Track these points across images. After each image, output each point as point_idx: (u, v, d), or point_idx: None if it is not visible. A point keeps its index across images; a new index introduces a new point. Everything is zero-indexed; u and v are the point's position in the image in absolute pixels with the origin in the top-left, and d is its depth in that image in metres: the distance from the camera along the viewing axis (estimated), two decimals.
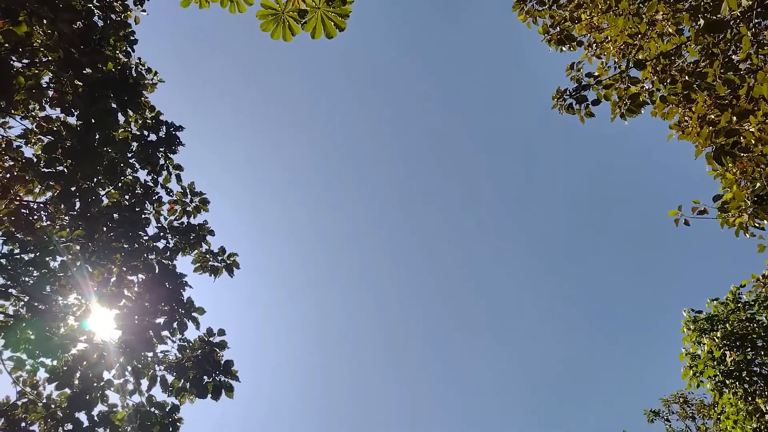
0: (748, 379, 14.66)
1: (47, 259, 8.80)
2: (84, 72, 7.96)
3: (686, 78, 9.00)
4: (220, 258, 10.05)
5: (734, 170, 9.92)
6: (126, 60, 9.34)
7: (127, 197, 9.41)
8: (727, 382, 14.63)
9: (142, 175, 9.64)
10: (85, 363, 8.63)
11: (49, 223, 9.30)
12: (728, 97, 8.87)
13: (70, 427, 8.12)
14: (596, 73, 10.42)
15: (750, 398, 14.39)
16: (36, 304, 8.71)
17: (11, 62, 7.68)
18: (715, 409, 22.28)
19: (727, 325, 15.04)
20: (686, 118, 9.76)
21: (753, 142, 8.40)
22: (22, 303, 9.31)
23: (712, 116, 9.24)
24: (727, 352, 14.36)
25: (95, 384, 8.60)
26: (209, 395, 8.39)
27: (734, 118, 8.27)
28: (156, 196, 9.35)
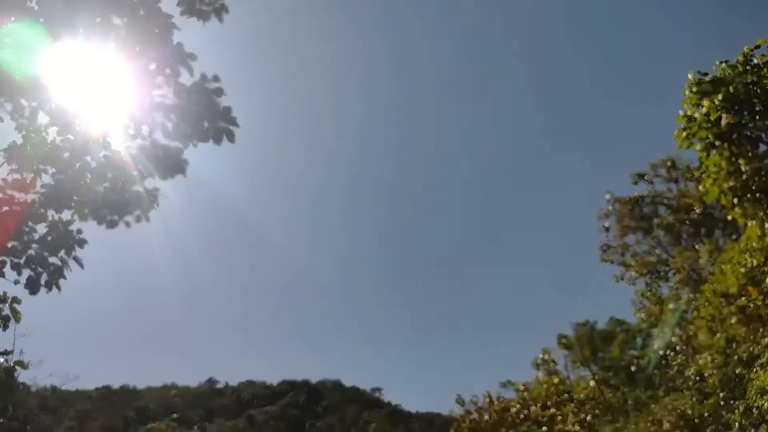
0: (737, 141, 14.99)
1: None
2: None
3: None
4: (206, 0, 9.34)
5: None
6: None
7: None
8: (716, 143, 14.95)
9: None
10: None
11: None
12: None
13: (78, 165, 8.48)
14: None
15: (734, 159, 14.88)
16: None
17: None
18: (700, 169, 23.25)
19: (731, 88, 14.76)
20: None
21: None
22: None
23: None
24: (723, 115, 14.37)
25: (95, 129, 8.77)
26: (210, 140, 8.56)
27: None
28: None
